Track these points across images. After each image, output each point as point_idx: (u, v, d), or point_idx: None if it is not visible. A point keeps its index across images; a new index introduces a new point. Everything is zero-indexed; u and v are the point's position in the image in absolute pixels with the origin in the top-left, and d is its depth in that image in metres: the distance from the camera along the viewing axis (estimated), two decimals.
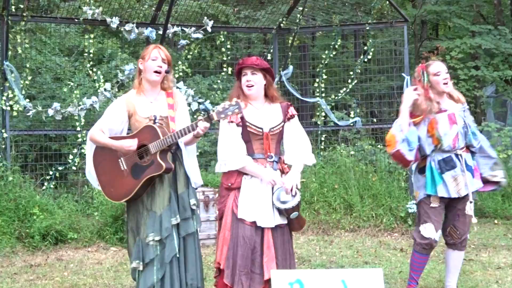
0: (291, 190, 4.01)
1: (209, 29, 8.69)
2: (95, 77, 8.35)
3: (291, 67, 9.26)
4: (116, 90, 8.28)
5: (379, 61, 9.71)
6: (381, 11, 9.40)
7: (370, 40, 9.16)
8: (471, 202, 4.70)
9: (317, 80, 9.27)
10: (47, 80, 9.63)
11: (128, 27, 8.27)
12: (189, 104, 8.65)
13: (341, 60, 11.43)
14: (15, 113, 7.85)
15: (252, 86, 4.13)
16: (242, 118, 4.07)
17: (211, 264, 6.14)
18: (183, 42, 8.66)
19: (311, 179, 8.27)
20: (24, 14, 7.96)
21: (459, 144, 4.61)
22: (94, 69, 8.47)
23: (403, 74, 8.51)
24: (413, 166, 4.83)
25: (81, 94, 8.47)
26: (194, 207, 4.08)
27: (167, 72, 4.14)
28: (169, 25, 8.39)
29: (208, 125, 3.89)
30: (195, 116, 8.40)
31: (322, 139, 9.13)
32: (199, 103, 8.72)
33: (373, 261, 6.33)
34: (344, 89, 9.19)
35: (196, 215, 4.11)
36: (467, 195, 4.64)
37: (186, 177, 4.11)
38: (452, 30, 12.78)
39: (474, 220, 4.78)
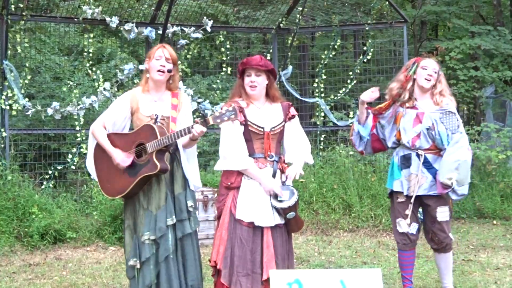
0: (292, 189, 4.03)
1: (208, 29, 8.70)
2: (95, 77, 8.35)
3: (290, 67, 9.26)
4: (116, 89, 8.28)
5: (378, 62, 9.72)
6: (381, 12, 9.40)
7: (370, 41, 9.17)
8: (418, 204, 4.70)
9: (317, 80, 9.27)
10: (47, 80, 9.62)
11: (127, 26, 8.27)
12: None
13: (340, 60, 11.43)
14: (14, 112, 7.85)
15: (256, 87, 4.12)
16: (244, 117, 4.06)
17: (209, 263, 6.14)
18: (182, 41, 8.66)
19: (310, 179, 8.28)
20: (24, 13, 7.96)
21: (421, 144, 4.60)
22: (94, 69, 8.48)
23: None
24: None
25: (80, 94, 8.48)
26: (191, 209, 4.07)
27: (169, 71, 4.11)
28: (168, 24, 8.39)
29: (204, 129, 3.87)
30: (194, 116, 8.40)
31: (321, 139, 9.14)
32: (198, 103, 8.72)
33: (372, 261, 6.34)
34: (344, 89, 9.19)
35: (193, 217, 4.10)
36: (429, 199, 4.61)
37: (184, 179, 4.11)
38: (452, 31, 12.76)
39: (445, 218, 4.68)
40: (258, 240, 4.02)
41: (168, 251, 3.97)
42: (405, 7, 13.40)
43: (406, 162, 4.64)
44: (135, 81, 8.45)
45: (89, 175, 8.05)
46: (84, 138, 8.02)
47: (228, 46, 9.23)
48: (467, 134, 9.34)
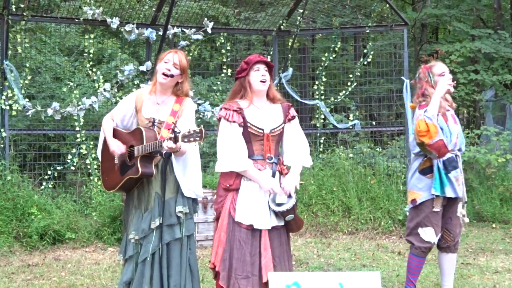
0: (289, 193, 4.02)
1: (209, 31, 8.70)
2: (95, 77, 8.35)
3: (290, 69, 9.27)
4: (116, 90, 8.28)
5: (378, 64, 9.72)
6: (381, 14, 9.41)
7: (370, 43, 9.17)
8: (465, 202, 4.71)
9: (317, 82, 9.27)
10: (47, 80, 9.63)
11: (128, 27, 8.27)
12: None
13: (340, 62, 11.44)
14: (14, 113, 7.85)
15: (266, 81, 4.12)
16: (243, 118, 4.05)
17: (208, 265, 6.14)
18: (183, 43, 8.66)
19: (310, 182, 8.28)
20: (25, 14, 7.97)
21: (459, 145, 4.63)
22: (94, 69, 8.47)
23: (402, 77, 8.51)
24: (413, 166, 4.77)
25: (80, 94, 8.48)
26: (180, 214, 4.03)
27: (172, 76, 4.07)
28: (169, 26, 8.38)
29: (173, 146, 3.76)
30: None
31: (321, 141, 9.13)
32: (199, 105, 8.72)
33: (371, 264, 6.33)
34: (344, 91, 9.19)
35: (184, 222, 4.06)
36: (457, 197, 4.62)
37: (176, 184, 4.06)
38: (452, 34, 12.79)
39: (466, 219, 4.77)
40: (257, 242, 4.00)
41: (147, 253, 3.97)
42: (406, 10, 13.43)
43: (450, 164, 4.55)
44: (135, 82, 8.45)
45: (89, 175, 8.10)
46: (84, 139, 8.03)
47: (228, 47, 9.23)
48: (467, 137, 9.42)
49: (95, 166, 7.94)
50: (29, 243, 6.88)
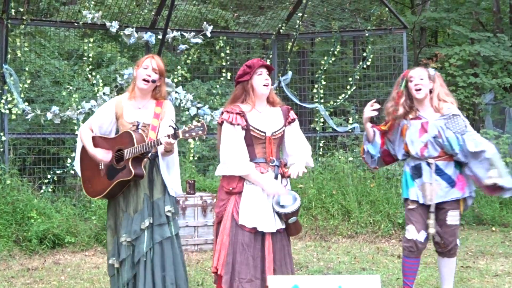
0: (294, 195, 4.03)
1: (208, 34, 8.72)
2: (94, 81, 8.37)
3: (290, 73, 9.28)
4: (115, 94, 8.28)
5: (378, 68, 9.73)
6: (380, 18, 9.42)
7: (369, 47, 9.19)
8: (436, 212, 4.64)
9: (316, 86, 9.28)
10: (46, 84, 9.63)
11: (127, 31, 8.29)
12: (188, 109, 8.67)
13: (340, 66, 11.46)
14: (13, 116, 7.86)
15: (269, 85, 4.14)
16: (246, 121, 4.05)
17: (208, 269, 6.13)
18: (182, 47, 8.67)
19: (309, 185, 8.27)
20: (24, 18, 7.98)
21: (429, 153, 4.60)
22: (93, 73, 8.49)
23: None
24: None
25: (80, 98, 8.49)
26: (168, 214, 4.17)
27: (153, 81, 4.19)
28: (168, 29, 8.40)
29: (172, 141, 3.92)
30: (194, 121, 8.41)
31: (321, 145, 9.14)
32: (198, 108, 8.73)
33: (371, 267, 6.33)
34: (343, 95, 9.20)
35: (173, 221, 4.21)
36: (443, 203, 4.60)
37: (163, 185, 4.20)
38: (451, 37, 12.81)
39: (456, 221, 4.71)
40: (259, 245, 4.01)
41: (141, 253, 4.08)
42: (405, 13, 13.45)
43: (417, 172, 4.64)
44: None
45: None
46: None
47: (228, 51, 9.24)
48: None
49: None
50: (28, 247, 6.87)
